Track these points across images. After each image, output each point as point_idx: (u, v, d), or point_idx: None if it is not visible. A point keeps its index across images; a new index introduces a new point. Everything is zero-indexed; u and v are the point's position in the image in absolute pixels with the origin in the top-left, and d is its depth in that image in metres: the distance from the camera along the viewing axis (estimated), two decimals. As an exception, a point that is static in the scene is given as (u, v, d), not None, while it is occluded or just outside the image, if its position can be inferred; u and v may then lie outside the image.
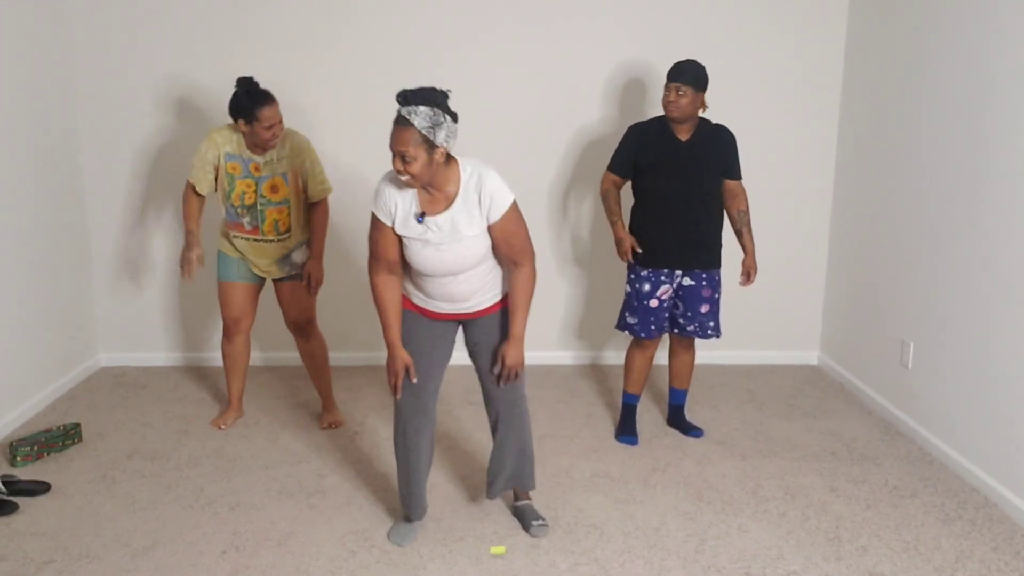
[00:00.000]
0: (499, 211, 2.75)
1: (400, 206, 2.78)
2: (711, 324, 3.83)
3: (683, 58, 3.81)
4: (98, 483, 3.46)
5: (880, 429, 4.08)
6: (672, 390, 4.06)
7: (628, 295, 3.84)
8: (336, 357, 4.73)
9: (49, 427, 3.89)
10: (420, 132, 2.59)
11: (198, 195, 3.82)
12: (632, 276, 3.81)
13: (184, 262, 3.72)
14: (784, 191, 4.84)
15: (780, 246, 4.89)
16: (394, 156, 2.63)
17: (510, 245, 2.81)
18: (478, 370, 3.04)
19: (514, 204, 2.78)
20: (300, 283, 3.88)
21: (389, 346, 2.89)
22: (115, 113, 4.63)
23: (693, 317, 3.81)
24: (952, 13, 3.66)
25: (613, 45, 4.65)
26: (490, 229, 2.79)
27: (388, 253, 2.84)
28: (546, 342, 4.99)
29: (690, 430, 3.99)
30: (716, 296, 3.82)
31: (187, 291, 4.83)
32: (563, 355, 5.01)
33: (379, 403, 4.35)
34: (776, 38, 4.68)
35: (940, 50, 3.75)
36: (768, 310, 4.98)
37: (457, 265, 2.80)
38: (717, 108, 4.65)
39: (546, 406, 4.31)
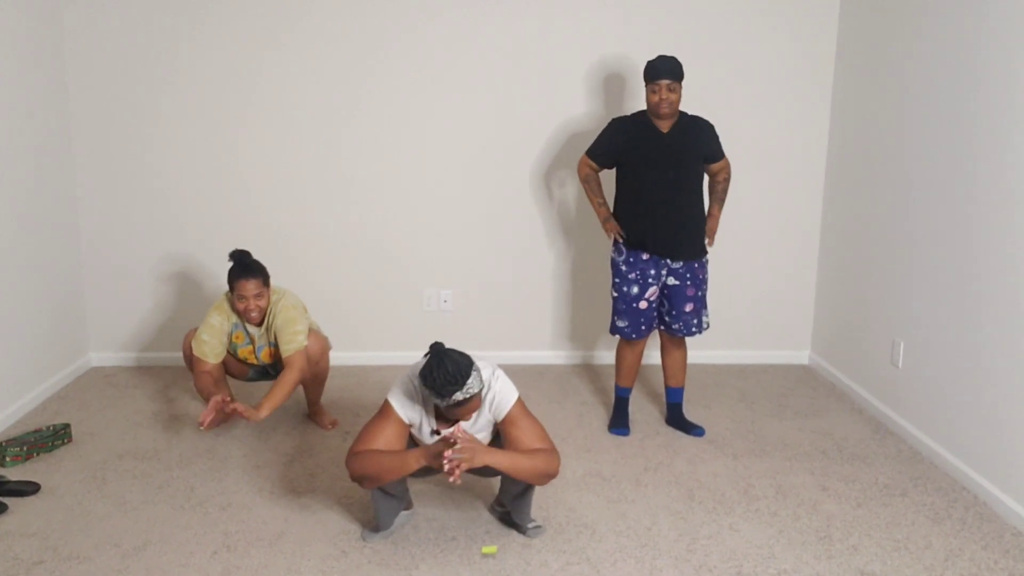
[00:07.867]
0: (504, 409, 2.82)
1: (423, 421, 2.87)
2: (695, 322, 3.90)
3: (671, 54, 3.82)
4: (88, 483, 3.45)
5: (871, 428, 4.09)
6: (668, 389, 4.08)
7: (616, 299, 3.88)
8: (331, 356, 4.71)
9: (39, 427, 3.87)
10: (480, 397, 2.74)
11: (205, 370, 3.76)
12: (617, 281, 3.85)
13: (212, 410, 3.44)
14: (775, 191, 4.85)
15: (771, 246, 4.91)
16: (458, 420, 2.75)
17: (525, 440, 2.79)
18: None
19: (519, 400, 2.85)
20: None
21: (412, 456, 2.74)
22: (107, 111, 4.61)
23: (678, 316, 3.87)
24: (943, 13, 3.67)
25: (601, 40, 4.65)
26: (500, 427, 2.86)
27: (386, 445, 2.80)
28: (538, 342, 4.99)
29: (691, 429, 3.99)
30: (700, 294, 3.87)
31: (178, 291, 4.82)
32: (555, 355, 5.01)
33: (372, 404, 4.34)
34: (767, 38, 4.68)
35: (930, 51, 3.76)
36: (759, 310, 4.99)
37: None
38: (708, 107, 4.66)
39: (538, 406, 4.31)
